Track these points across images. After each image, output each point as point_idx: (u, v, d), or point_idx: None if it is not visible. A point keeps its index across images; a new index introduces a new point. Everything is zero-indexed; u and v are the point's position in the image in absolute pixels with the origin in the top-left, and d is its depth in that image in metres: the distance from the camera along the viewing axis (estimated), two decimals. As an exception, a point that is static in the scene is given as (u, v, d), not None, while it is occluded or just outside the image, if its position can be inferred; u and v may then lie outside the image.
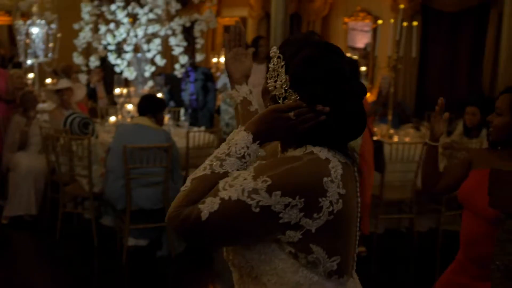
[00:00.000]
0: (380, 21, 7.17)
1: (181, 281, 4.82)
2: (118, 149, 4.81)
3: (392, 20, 6.46)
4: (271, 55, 1.52)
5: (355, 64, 1.53)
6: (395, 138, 6.01)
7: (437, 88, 7.66)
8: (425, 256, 5.34)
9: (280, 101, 1.49)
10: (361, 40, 9.09)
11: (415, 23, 6.96)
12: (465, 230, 2.46)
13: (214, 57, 10.56)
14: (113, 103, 7.94)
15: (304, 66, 1.46)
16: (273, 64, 1.51)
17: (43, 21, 8.39)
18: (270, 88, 1.52)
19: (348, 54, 8.16)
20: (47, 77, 8.37)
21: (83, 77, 6.24)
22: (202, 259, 5.26)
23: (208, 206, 1.36)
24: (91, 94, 8.03)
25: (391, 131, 6.16)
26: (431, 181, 2.51)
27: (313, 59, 1.45)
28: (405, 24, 6.62)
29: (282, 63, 1.49)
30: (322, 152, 1.45)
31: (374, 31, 8.56)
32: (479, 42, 7.17)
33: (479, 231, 2.31)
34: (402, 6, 6.51)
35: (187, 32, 6.40)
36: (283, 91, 1.48)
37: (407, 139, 5.91)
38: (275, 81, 1.50)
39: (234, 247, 1.50)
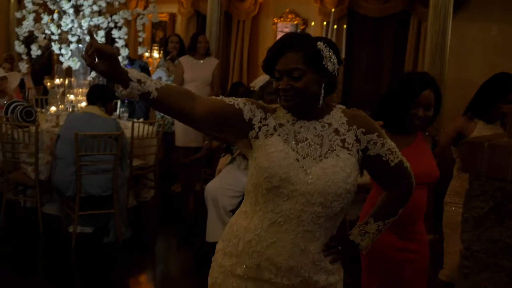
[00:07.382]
0: (313, 23, 7.58)
1: (129, 265, 4.97)
2: (69, 137, 4.88)
3: (325, 23, 6.87)
4: (320, 47, 1.96)
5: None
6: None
7: (362, 88, 8.15)
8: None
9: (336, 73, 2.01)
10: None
11: (344, 26, 7.43)
12: None
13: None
14: (45, 93, 7.85)
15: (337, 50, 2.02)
16: (328, 52, 1.98)
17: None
18: (331, 68, 2.00)
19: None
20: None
21: (23, 66, 6.20)
22: (147, 244, 5.45)
23: None
24: (20, 84, 7.91)
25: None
26: None
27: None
28: (335, 26, 7.06)
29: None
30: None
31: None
32: (401, 45, 7.72)
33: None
34: (333, 9, 6.95)
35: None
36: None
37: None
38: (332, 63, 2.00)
39: None
